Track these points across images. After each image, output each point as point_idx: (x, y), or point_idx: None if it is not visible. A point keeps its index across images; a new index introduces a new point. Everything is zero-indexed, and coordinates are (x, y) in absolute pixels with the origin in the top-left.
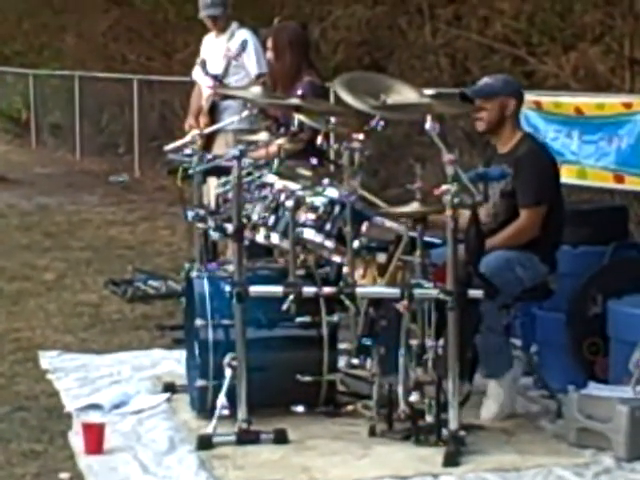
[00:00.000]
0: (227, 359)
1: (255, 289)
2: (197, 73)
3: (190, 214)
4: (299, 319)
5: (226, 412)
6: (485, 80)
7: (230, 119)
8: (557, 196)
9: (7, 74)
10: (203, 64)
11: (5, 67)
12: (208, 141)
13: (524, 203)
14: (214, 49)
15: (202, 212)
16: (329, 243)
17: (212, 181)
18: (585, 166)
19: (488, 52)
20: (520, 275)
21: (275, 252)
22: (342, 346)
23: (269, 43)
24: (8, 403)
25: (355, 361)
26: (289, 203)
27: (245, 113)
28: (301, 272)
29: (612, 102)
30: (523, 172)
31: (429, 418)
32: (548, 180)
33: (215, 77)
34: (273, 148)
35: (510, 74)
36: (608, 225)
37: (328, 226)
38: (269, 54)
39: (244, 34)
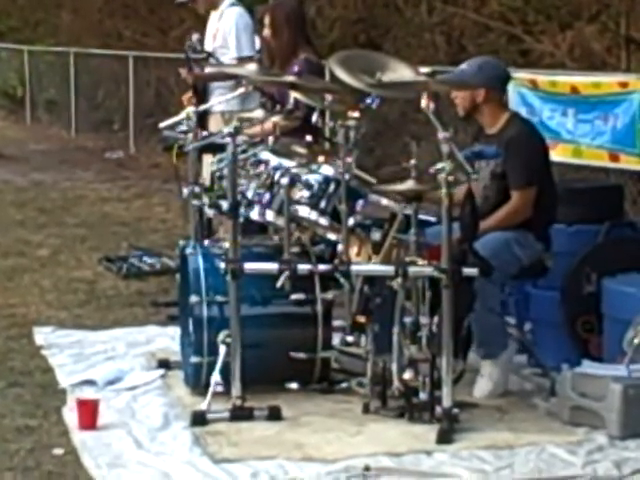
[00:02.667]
0: (221, 336)
1: (250, 266)
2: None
3: (185, 191)
4: (293, 296)
5: (220, 389)
6: (461, 67)
7: (218, 99)
8: (547, 175)
9: (2, 50)
10: (198, 41)
11: (0, 43)
12: (202, 120)
13: (516, 184)
14: (209, 27)
15: (197, 189)
16: (324, 221)
17: (207, 158)
18: (581, 145)
19: (484, 30)
20: (518, 254)
21: (270, 229)
22: (336, 323)
23: (266, 20)
24: (2, 379)
25: (349, 338)
26: (284, 180)
27: (240, 90)
28: (296, 249)
29: (608, 81)
30: (514, 154)
31: (423, 395)
32: (538, 160)
33: (208, 55)
34: (268, 125)
35: (506, 52)
36: (603, 204)
37: (323, 204)
38: (266, 31)
39: (232, 13)
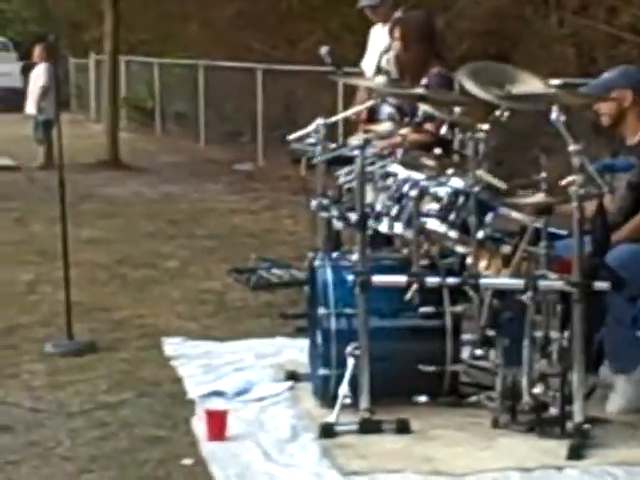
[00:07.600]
0: (349, 348)
1: (378, 278)
2: (365, 63)
3: (313, 203)
4: (422, 309)
5: (348, 401)
6: (604, 75)
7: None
8: None
9: (133, 63)
10: (327, 53)
11: (130, 56)
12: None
13: None
14: (377, 40)
15: (325, 201)
16: (453, 233)
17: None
18: None
19: (615, 42)
20: None
21: (396, 242)
22: (466, 337)
23: (396, 33)
24: (133, 389)
25: (478, 352)
26: (413, 193)
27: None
28: (424, 262)
29: None
30: None
31: (553, 410)
32: None
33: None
34: (397, 139)
35: (638, 65)
36: None
37: (452, 216)
38: (396, 44)
39: None
